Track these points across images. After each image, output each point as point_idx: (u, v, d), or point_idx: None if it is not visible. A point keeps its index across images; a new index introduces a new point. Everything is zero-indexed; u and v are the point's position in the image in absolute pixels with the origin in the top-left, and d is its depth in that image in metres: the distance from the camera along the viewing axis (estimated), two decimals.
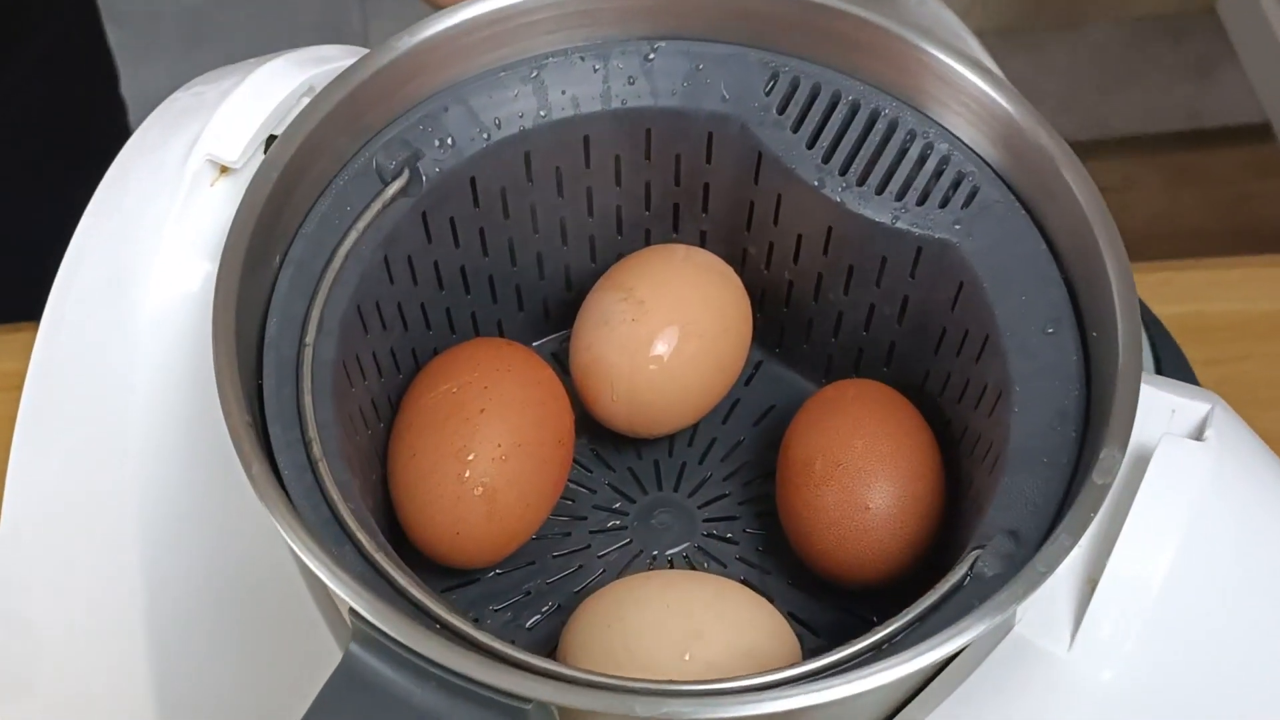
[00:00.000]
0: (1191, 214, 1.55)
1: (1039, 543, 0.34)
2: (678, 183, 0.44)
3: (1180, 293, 0.74)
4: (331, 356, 0.38)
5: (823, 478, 0.40)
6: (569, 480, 0.44)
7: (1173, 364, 0.68)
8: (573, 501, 0.44)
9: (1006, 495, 0.35)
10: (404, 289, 0.42)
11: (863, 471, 0.40)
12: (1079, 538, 0.33)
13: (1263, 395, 0.73)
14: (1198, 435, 0.36)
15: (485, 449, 0.40)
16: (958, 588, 0.34)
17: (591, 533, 0.44)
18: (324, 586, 0.32)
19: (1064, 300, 0.38)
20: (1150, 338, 0.67)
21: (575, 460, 0.45)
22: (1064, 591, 0.34)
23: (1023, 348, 0.38)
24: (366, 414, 0.41)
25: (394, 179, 0.40)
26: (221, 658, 0.39)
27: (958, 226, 0.40)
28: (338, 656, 0.32)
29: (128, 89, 0.83)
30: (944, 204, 0.40)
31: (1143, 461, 0.35)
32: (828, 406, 0.42)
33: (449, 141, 0.41)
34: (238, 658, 0.39)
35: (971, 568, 0.34)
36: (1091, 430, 0.36)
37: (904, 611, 0.34)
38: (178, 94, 0.42)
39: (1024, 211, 0.40)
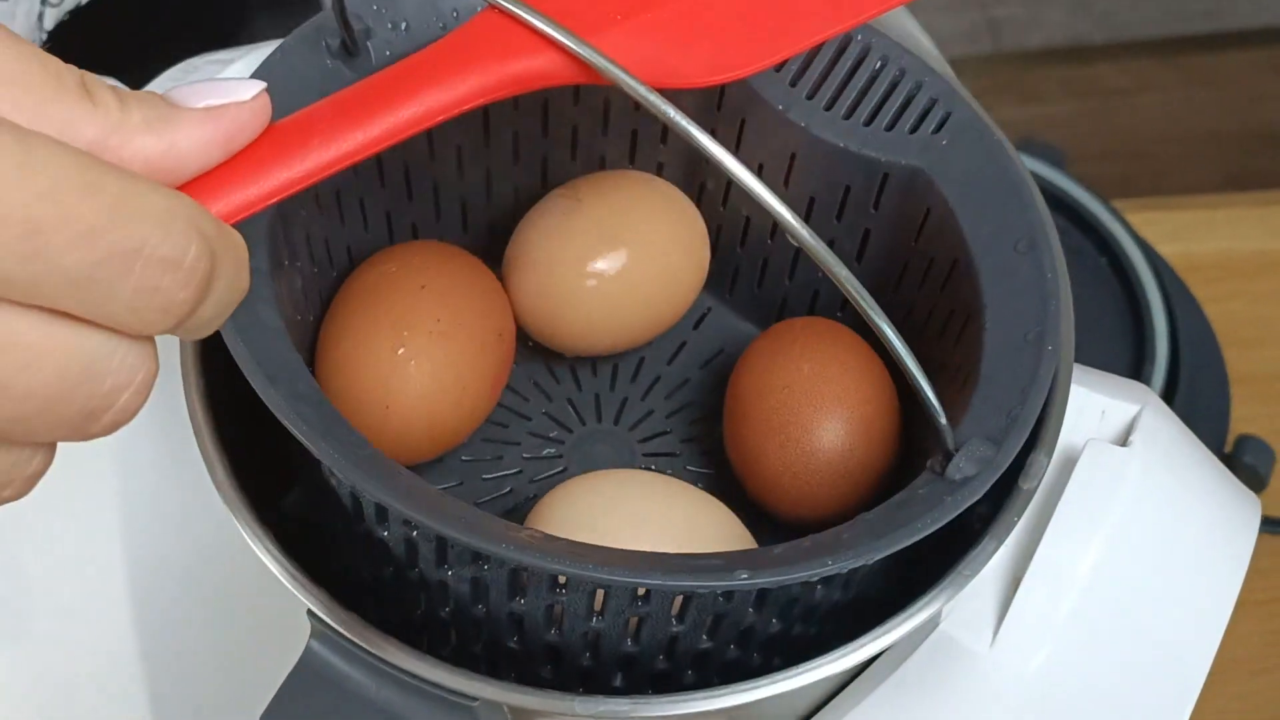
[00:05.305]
0: (1204, 116, 1.54)
1: (1015, 445, 0.33)
2: (637, 106, 0.42)
3: (1168, 232, 0.75)
4: (266, 220, 0.36)
5: (770, 405, 0.39)
6: (504, 405, 0.43)
7: (1183, 304, 0.69)
8: (507, 427, 0.43)
9: (979, 408, 0.34)
10: (342, 176, 0.39)
11: (810, 394, 0.39)
12: (1003, 540, 0.34)
13: (1247, 334, 0.74)
14: (1125, 438, 0.37)
15: (423, 323, 0.38)
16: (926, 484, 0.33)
17: (525, 458, 0.43)
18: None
19: (1039, 221, 0.37)
20: (1158, 277, 0.68)
21: (513, 388, 0.44)
22: (988, 589, 0.36)
23: (997, 268, 0.37)
24: (296, 299, 0.39)
25: (342, 53, 0.37)
26: (201, 633, 0.41)
27: (928, 152, 0.39)
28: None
29: None
30: (914, 129, 0.40)
31: (1070, 463, 0.36)
32: (778, 338, 0.42)
33: (403, 26, 0.39)
34: (216, 629, 0.41)
35: (944, 468, 0.33)
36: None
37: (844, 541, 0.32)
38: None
39: (999, 135, 0.39)
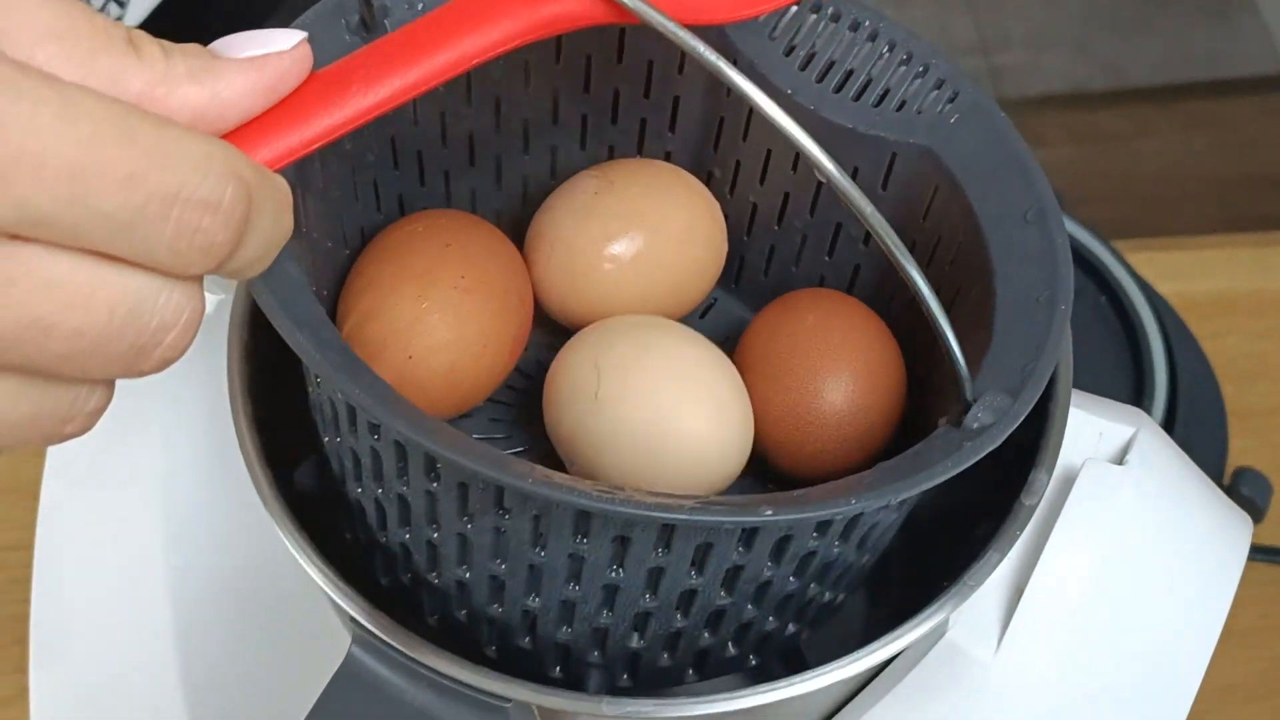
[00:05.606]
0: (1203, 161, 1.56)
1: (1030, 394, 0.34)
2: (647, 94, 0.44)
3: (1167, 272, 0.76)
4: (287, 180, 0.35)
5: (774, 353, 0.40)
6: (512, 386, 0.44)
7: (1181, 341, 0.71)
8: (514, 407, 0.44)
9: (993, 365, 0.35)
10: (357, 158, 0.40)
11: (814, 343, 0.40)
12: (1005, 554, 0.36)
13: (1244, 370, 0.76)
14: (1122, 457, 0.39)
15: (447, 278, 0.39)
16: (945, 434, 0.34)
17: (533, 434, 0.43)
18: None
19: (1047, 193, 0.38)
20: (1157, 315, 0.70)
21: (520, 370, 0.44)
22: (992, 599, 0.38)
23: (1006, 238, 0.37)
24: (310, 271, 0.38)
25: (361, 29, 0.38)
26: (240, 646, 0.43)
27: (936, 131, 0.40)
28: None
29: None
30: (922, 109, 0.40)
31: (1069, 481, 0.38)
32: (784, 302, 0.43)
33: (420, 5, 0.39)
34: (255, 641, 0.43)
35: (961, 420, 0.33)
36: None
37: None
38: None
39: (1004, 114, 0.39)
